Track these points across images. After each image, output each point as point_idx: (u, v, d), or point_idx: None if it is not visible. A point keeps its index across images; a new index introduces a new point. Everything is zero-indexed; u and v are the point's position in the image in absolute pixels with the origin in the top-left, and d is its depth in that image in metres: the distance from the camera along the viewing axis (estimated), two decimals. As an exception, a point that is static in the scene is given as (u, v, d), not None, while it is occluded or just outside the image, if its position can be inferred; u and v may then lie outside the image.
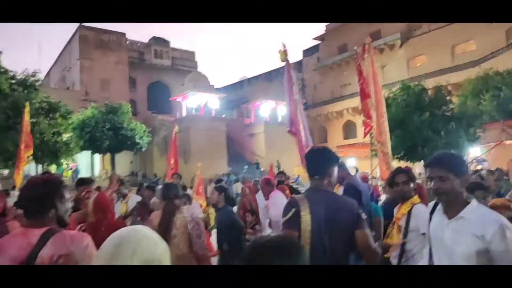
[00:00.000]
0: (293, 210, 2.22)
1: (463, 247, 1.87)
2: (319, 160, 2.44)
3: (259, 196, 6.47)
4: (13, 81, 19.12)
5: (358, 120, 29.78)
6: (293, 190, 5.74)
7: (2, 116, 17.72)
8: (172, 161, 8.99)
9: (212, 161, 24.56)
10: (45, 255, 1.82)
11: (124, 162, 28.67)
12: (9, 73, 19.19)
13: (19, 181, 7.36)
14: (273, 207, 5.33)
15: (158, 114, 34.11)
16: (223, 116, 35.39)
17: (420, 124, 15.00)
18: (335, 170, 2.42)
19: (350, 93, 33.32)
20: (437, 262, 2.08)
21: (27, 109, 8.02)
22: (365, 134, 6.36)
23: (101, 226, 3.21)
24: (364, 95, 6.04)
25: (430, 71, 27.87)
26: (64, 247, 1.86)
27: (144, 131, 26.55)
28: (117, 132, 24.64)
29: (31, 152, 7.85)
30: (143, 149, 27.28)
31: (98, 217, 3.28)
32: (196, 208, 3.88)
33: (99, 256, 1.18)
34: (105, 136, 24.20)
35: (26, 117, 7.82)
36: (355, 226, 2.21)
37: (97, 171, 28.55)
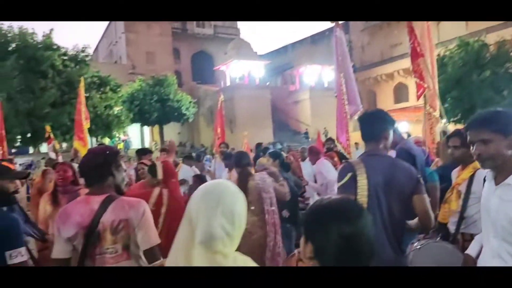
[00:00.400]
0: (349, 174, 2.18)
1: (505, 217, 1.67)
2: (374, 123, 2.36)
3: (305, 164, 6.44)
4: (65, 57, 20.04)
5: (410, 82, 28.07)
6: (343, 157, 5.63)
7: (58, 92, 18.75)
8: (219, 130, 9.06)
9: (257, 130, 24.60)
10: (106, 221, 1.93)
11: (172, 133, 29.56)
12: (61, 49, 20.10)
13: (84, 151, 7.45)
14: (318, 175, 5.31)
15: (202, 84, 34.44)
16: (267, 84, 35.01)
17: (479, 83, 14.03)
18: (391, 133, 2.34)
19: (401, 53, 31.10)
20: (484, 232, 1.92)
21: (81, 84, 8.41)
22: (418, 97, 6.02)
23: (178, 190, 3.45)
24: (415, 54, 5.65)
25: (492, 25, 25.48)
26: (123, 212, 1.95)
27: (190, 102, 27.08)
28: (164, 104, 25.36)
29: (89, 124, 8.20)
30: (190, 120, 27.95)
31: (172, 183, 3.57)
32: (267, 176, 4.00)
33: (189, 209, 1.27)
34: (153, 108, 25.01)
35: (82, 91, 8.15)
36: (414, 191, 2.17)
37: (147, 143, 29.73)
